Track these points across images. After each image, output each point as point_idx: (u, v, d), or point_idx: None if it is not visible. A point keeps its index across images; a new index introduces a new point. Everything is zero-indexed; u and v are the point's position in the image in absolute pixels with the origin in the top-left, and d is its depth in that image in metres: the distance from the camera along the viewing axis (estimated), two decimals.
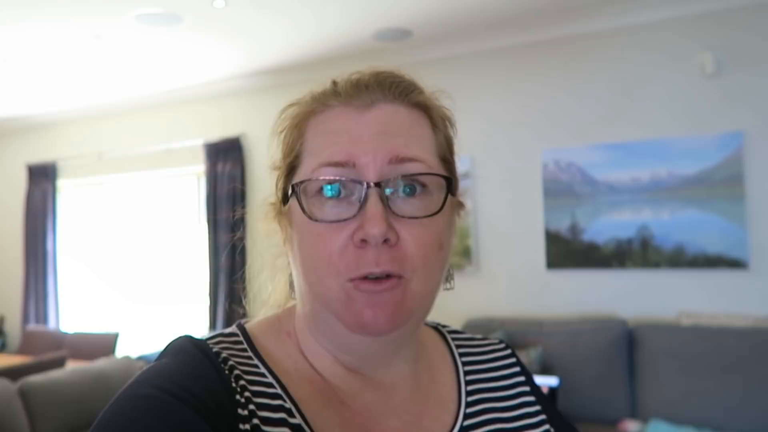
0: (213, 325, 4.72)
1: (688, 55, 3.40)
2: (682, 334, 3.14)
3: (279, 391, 0.57)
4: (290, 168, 0.61)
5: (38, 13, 3.36)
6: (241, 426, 0.53)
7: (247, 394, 0.55)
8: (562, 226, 3.68)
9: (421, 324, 0.63)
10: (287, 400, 0.57)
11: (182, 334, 0.60)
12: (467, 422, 0.65)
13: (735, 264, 3.27)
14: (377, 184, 0.55)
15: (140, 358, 3.07)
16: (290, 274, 0.68)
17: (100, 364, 2.85)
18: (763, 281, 3.22)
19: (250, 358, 0.60)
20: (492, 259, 3.82)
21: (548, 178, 3.72)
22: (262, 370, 0.59)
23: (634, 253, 3.51)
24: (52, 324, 5.52)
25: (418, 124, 0.60)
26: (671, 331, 3.19)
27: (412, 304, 0.57)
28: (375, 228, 0.53)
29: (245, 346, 0.61)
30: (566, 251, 3.67)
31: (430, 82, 0.63)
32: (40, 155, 5.78)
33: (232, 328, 0.65)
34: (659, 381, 3.09)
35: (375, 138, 0.57)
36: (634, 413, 3.14)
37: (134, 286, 5.43)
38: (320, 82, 0.64)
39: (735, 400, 2.90)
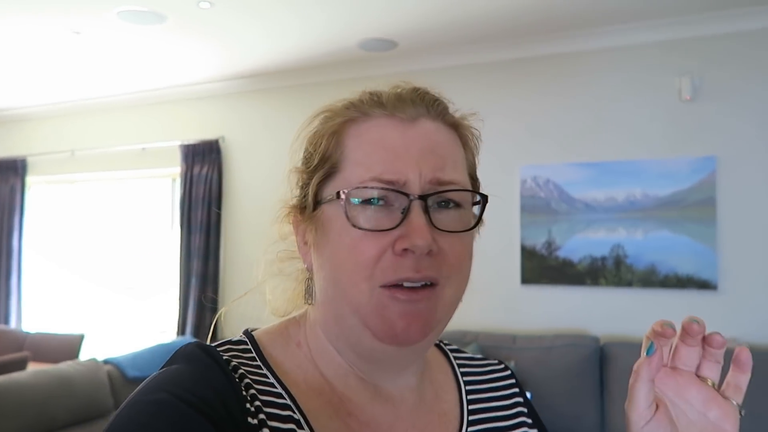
0: (182, 330, 4.62)
1: (666, 80, 3.48)
2: None
3: (288, 401, 0.58)
4: (326, 174, 0.61)
5: (17, 5, 3.29)
6: None
7: (257, 403, 0.55)
8: (538, 242, 3.71)
9: (442, 331, 0.64)
10: (296, 412, 0.57)
11: (191, 341, 0.61)
12: None
13: (704, 285, 3.33)
14: (422, 197, 0.57)
15: (107, 362, 2.99)
16: (306, 279, 0.68)
17: (64, 366, 2.76)
18: (731, 303, 3.29)
19: (259, 367, 0.60)
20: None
21: (526, 194, 3.76)
22: (271, 380, 0.59)
23: (608, 272, 3.55)
24: (13, 324, 5.35)
25: (455, 144, 0.64)
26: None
27: (442, 311, 0.59)
28: (421, 240, 0.55)
29: (254, 354, 0.62)
30: (541, 267, 3.69)
31: (437, 92, 0.66)
32: (9, 150, 5.63)
33: (240, 336, 0.65)
34: None
35: (421, 154, 0.59)
36: (603, 430, 3.17)
37: (102, 288, 5.31)
38: (354, 92, 0.65)
39: None
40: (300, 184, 0.65)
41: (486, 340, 3.51)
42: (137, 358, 3.10)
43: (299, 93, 4.43)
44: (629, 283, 3.50)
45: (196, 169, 4.71)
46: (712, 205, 3.34)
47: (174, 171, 4.94)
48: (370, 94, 0.63)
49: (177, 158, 4.82)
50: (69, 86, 4.87)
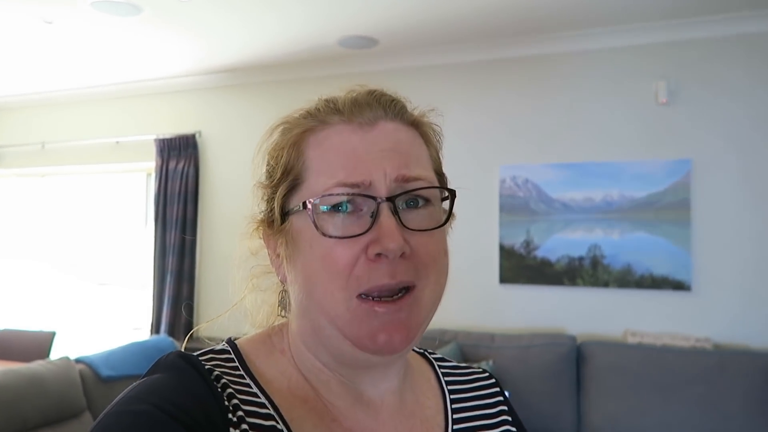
0: (156, 328, 4.55)
1: (643, 83, 3.53)
2: (628, 352, 3.24)
3: (271, 411, 0.57)
4: (290, 186, 0.61)
5: None
6: None
7: (239, 413, 0.54)
8: (516, 241, 3.74)
9: (424, 332, 0.64)
10: (279, 422, 0.57)
11: (173, 350, 0.59)
12: None
13: (679, 286, 3.39)
14: (389, 199, 0.57)
15: (79, 360, 2.91)
16: (281, 292, 0.68)
17: (35, 365, 2.69)
18: (704, 303, 3.35)
19: (242, 377, 0.59)
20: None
21: (505, 193, 3.78)
22: (254, 389, 0.59)
23: (585, 272, 3.59)
24: None
25: (417, 141, 0.63)
26: (617, 348, 3.28)
27: (423, 314, 0.59)
28: (393, 243, 0.54)
29: (237, 364, 0.61)
30: (520, 266, 3.72)
31: (393, 91, 0.65)
32: None
33: (223, 345, 0.65)
34: (604, 397, 3.17)
35: (383, 155, 0.58)
36: (580, 428, 3.21)
37: (74, 285, 5.19)
38: (310, 101, 0.65)
39: (675, 418, 3.00)
40: (265, 198, 0.64)
41: (465, 339, 3.52)
42: (111, 356, 3.03)
43: (278, 89, 4.38)
44: (606, 283, 3.54)
45: (172, 164, 4.63)
46: (686, 207, 3.39)
47: (149, 165, 4.84)
48: (326, 101, 0.63)
49: (152, 153, 4.72)
50: (40, 77, 4.74)
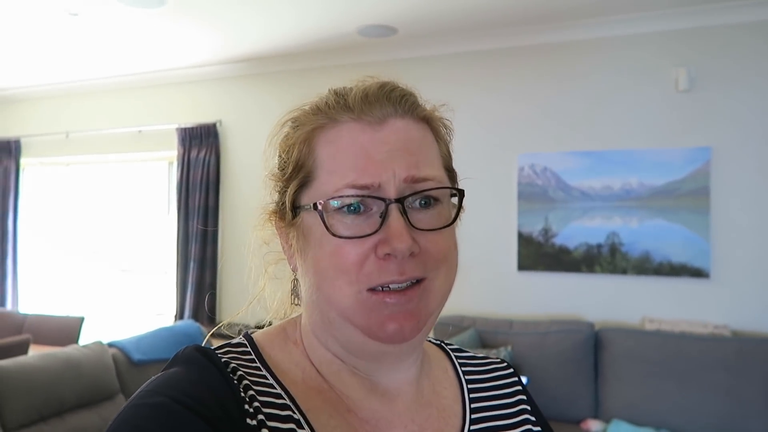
0: (180, 313, 4.66)
1: (663, 70, 3.52)
2: (645, 339, 3.27)
3: (287, 401, 0.59)
4: (302, 182, 0.62)
5: None
6: None
7: (256, 404, 0.56)
8: (534, 229, 3.77)
9: (435, 321, 0.65)
10: (296, 411, 0.58)
11: (193, 341, 0.62)
12: None
13: (697, 273, 3.41)
14: (398, 200, 0.57)
15: (112, 345, 3.02)
16: (292, 281, 0.70)
17: (70, 349, 2.79)
18: (722, 291, 3.37)
19: (258, 368, 0.61)
20: (465, 258, 3.83)
21: (524, 181, 3.80)
22: (270, 381, 0.60)
23: (603, 259, 3.62)
24: (9, 306, 5.35)
25: (427, 139, 0.63)
26: (635, 335, 3.31)
27: (433, 304, 0.60)
28: (402, 243, 0.55)
29: (253, 356, 0.62)
30: (538, 254, 3.76)
31: (412, 80, 0.65)
32: (3, 131, 5.58)
33: (240, 338, 0.66)
34: (622, 383, 3.21)
35: (392, 155, 0.59)
36: (597, 413, 3.26)
37: (99, 271, 5.31)
38: (319, 94, 0.65)
39: (692, 404, 3.04)
40: (278, 189, 0.65)
41: (483, 325, 3.57)
42: (141, 341, 3.13)
43: (297, 78, 4.43)
44: (624, 271, 3.57)
45: (194, 153, 4.70)
46: (706, 195, 3.40)
47: (171, 154, 4.92)
48: (336, 95, 0.63)
49: (174, 142, 4.80)
50: (65, 68, 4.82)
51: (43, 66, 4.78)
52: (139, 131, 4.94)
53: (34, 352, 3.16)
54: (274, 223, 0.66)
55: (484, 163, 3.88)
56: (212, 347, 0.62)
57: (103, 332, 4.66)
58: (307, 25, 3.80)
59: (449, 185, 0.62)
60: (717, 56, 3.43)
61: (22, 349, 3.21)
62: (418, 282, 0.58)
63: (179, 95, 4.90)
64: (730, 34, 3.41)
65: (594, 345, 3.35)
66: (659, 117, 3.53)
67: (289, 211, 0.62)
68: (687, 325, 3.34)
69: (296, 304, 0.69)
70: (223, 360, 0.58)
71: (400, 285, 0.57)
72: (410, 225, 0.57)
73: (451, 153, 0.68)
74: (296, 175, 0.61)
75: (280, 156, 0.65)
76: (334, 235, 0.57)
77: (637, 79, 3.59)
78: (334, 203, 0.57)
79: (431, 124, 0.64)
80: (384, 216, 0.57)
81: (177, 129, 4.77)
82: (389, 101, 0.61)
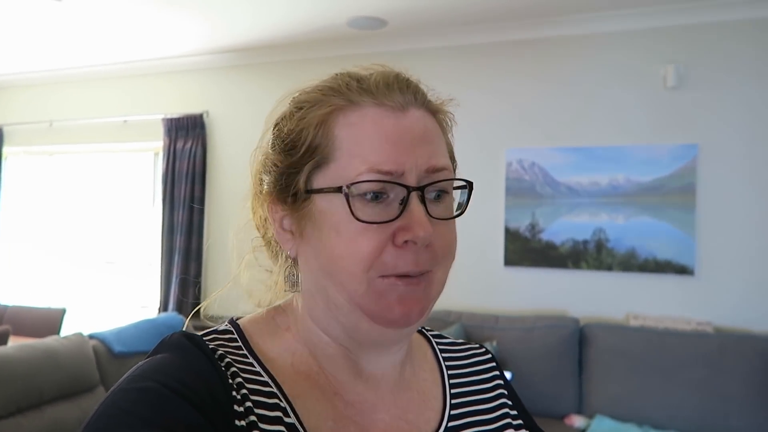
0: (164, 306, 4.61)
1: (651, 67, 3.53)
2: (630, 335, 3.28)
3: (274, 389, 0.59)
4: (316, 164, 0.60)
5: None
6: (237, 422, 0.54)
7: (243, 391, 0.56)
8: (522, 224, 3.77)
9: (432, 308, 0.65)
10: (282, 399, 0.58)
11: (177, 330, 0.61)
12: (452, 423, 0.68)
13: (682, 270, 3.42)
14: (419, 189, 0.58)
15: (92, 336, 2.97)
16: (287, 267, 0.68)
17: (50, 340, 2.75)
18: (706, 288, 3.39)
19: (245, 356, 0.61)
20: None
21: (511, 176, 3.80)
22: (257, 368, 0.60)
23: (589, 255, 3.63)
24: None
25: (438, 130, 0.64)
26: (619, 331, 3.32)
27: (435, 292, 0.62)
28: (423, 231, 0.56)
29: (240, 344, 0.62)
30: (524, 249, 3.76)
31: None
32: None
33: (226, 325, 0.65)
34: (606, 379, 3.22)
35: (415, 144, 0.59)
36: (581, 409, 3.27)
37: (82, 262, 5.25)
38: (330, 76, 0.64)
39: (675, 401, 3.06)
40: (276, 171, 0.63)
41: (469, 320, 3.57)
42: (122, 333, 3.09)
43: (286, 69, 4.39)
44: (609, 267, 3.58)
45: (180, 144, 4.65)
46: (692, 192, 3.42)
47: (156, 145, 4.87)
48: (353, 79, 0.62)
49: (160, 132, 4.75)
50: (49, 55, 4.74)
51: (27, 53, 4.70)
52: (125, 121, 4.88)
53: (14, 343, 3.11)
54: (267, 206, 0.64)
55: (472, 157, 3.87)
56: (199, 334, 0.61)
57: (86, 324, 4.60)
58: (297, 15, 3.76)
59: (458, 177, 0.63)
60: (705, 54, 3.44)
61: (1, 340, 3.16)
62: (424, 273, 0.59)
63: (166, 85, 4.84)
64: (719, 32, 3.42)
65: (579, 341, 3.36)
66: (647, 114, 3.54)
67: (302, 193, 0.60)
68: (671, 322, 3.36)
69: (294, 291, 0.67)
70: (210, 347, 0.58)
71: (415, 274, 0.58)
72: (428, 214, 0.58)
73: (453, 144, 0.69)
74: (310, 157, 0.60)
75: (286, 136, 0.62)
76: (358, 219, 0.56)
77: (626, 75, 3.59)
78: (359, 188, 0.57)
79: (438, 116, 0.65)
80: (405, 203, 0.57)
81: (163, 119, 4.71)
82: (409, 89, 0.62)
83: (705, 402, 3.00)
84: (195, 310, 0.84)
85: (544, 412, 3.19)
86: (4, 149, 5.40)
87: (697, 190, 3.41)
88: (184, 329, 0.64)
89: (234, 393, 0.55)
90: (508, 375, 3.14)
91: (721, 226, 3.38)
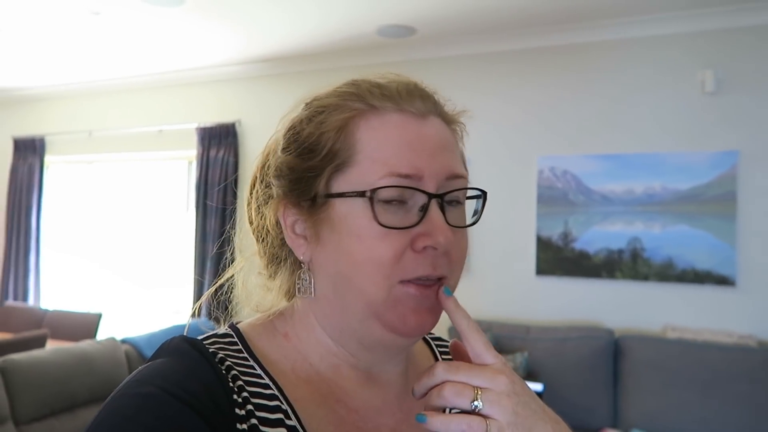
0: (197, 312, 4.67)
1: (689, 72, 3.43)
2: (667, 347, 3.17)
3: (275, 392, 0.59)
4: (336, 169, 0.59)
5: None
6: (238, 426, 0.54)
7: (244, 394, 0.56)
8: (554, 233, 3.70)
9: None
10: (284, 402, 0.58)
11: (177, 335, 0.60)
12: None
13: (722, 281, 3.30)
14: (439, 196, 0.59)
15: (124, 341, 3.02)
16: (298, 273, 0.66)
17: (84, 344, 2.80)
18: (748, 299, 3.26)
19: (246, 359, 0.61)
20: (483, 262, 3.82)
21: (543, 184, 3.73)
22: (258, 371, 0.60)
23: (624, 265, 3.53)
24: (31, 301, 5.43)
25: (454, 139, 0.65)
26: (656, 343, 3.22)
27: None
28: (444, 238, 0.57)
29: (240, 347, 0.62)
30: (557, 258, 3.68)
31: (429, 81, 0.66)
32: (28, 129, 5.68)
33: (226, 329, 0.65)
34: (642, 392, 3.12)
35: (436, 151, 0.60)
36: (616, 423, 3.17)
37: (119, 268, 5.37)
38: (346, 82, 0.64)
39: (714, 416, 2.94)
40: (291, 176, 0.62)
41: (500, 330, 3.51)
42: (153, 338, 3.14)
43: (316, 78, 4.41)
44: (645, 277, 3.47)
45: (213, 152, 4.73)
46: (732, 200, 3.30)
47: (190, 153, 4.95)
48: (373, 85, 0.62)
49: (193, 141, 4.83)
50: (87, 67, 4.89)
51: (67, 65, 4.85)
52: (160, 130, 4.98)
53: (51, 346, 3.18)
54: (282, 210, 0.63)
55: (503, 165, 3.82)
56: (199, 338, 0.61)
57: (121, 329, 4.70)
58: (329, 25, 3.78)
59: (473, 185, 0.64)
60: (745, 58, 3.33)
61: (39, 343, 3.24)
62: (438, 279, 0.59)
63: (199, 95, 4.93)
64: (759, 36, 3.30)
65: (613, 352, 3.27)
66: (684, 120, 3.44)
67: (322, 197, 0.59)
68: (710, 334, 3.23)
69: (304, 297, 0.65)
70: (210, 350, 0.58)
71: (429, 280, 0.58)
72: (446, 221, 0.58)
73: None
74: (330, 161, 0.59)
75: (300, 141, 0.62)
76: (381, 225, 0.56)
77: (662, 80, 3.50)
78: (383, 194, 0.57)
79: (453, 126, 0.66)
80: (425, 209, 0.58)
81: (196, 128, 4.79)
82: (429, 98, 0.63)
83: (747, 418, 2.88)
84: (194, 310, 0.89)
85: (577, 426, 3.11)
86: (46, 158, 5.58)
87: (738, 198, 3.29)
88: (185, 332, 0.64)
89: (235, 396, 0.55)
90: (539, 386, 3.08)
91: (763, 236, 3.25)
